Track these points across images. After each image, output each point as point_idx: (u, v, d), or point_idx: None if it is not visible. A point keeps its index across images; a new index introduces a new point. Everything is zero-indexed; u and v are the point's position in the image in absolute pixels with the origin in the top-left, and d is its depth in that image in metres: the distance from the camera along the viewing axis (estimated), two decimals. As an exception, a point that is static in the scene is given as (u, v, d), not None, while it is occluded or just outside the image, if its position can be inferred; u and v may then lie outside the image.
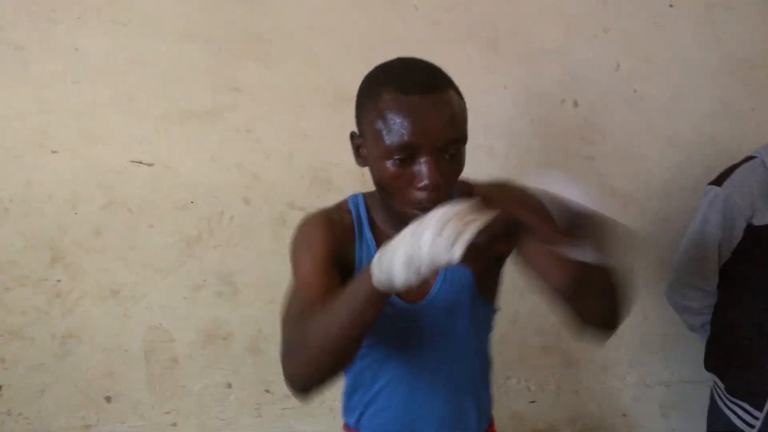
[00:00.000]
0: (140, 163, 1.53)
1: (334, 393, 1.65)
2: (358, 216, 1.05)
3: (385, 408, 1.09)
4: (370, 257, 0.92)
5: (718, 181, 1.48)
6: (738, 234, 1.45)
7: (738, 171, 1.46)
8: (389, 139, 0.87)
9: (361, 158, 0.98)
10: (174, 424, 1.66)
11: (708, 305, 1.56)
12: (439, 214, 0.71)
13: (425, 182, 0.86)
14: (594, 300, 0.88)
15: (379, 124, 0.88)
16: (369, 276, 0.77)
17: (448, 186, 0.89)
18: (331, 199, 1.37)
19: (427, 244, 0.70)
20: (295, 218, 1.57)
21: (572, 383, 1.77)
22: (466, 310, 1.05)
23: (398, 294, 1.00)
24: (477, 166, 1.56)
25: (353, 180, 1.56)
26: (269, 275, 1.61)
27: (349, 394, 1.14)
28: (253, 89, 1.52)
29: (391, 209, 0.94)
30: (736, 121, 1.67)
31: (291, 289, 0.95)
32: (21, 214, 1.51)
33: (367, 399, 1.10)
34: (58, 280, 1.56)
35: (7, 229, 1.52)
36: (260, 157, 1.57)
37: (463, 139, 0.90)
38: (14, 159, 1.49)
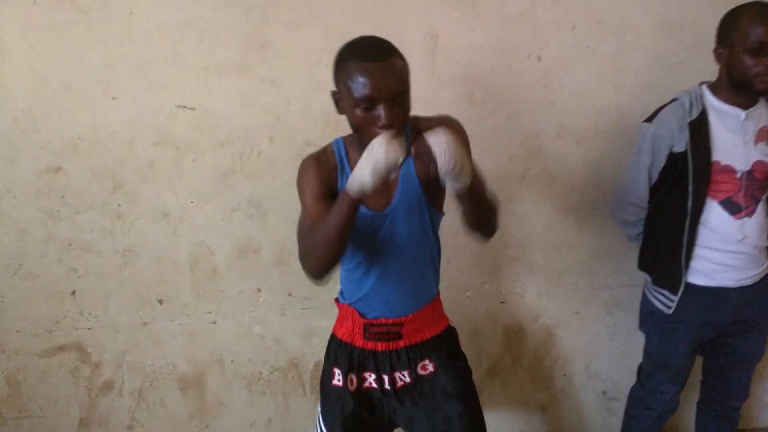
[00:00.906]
0: (185, 107, 1.86)
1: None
2: (340, 155, 1.44)
3: (363, 290, 1.49)
4: None
5: (650, 119, 1.85)
6: (662, 160, 1.82)
7: (663, 110, 1.83)
8: (356, 94, 1.25)
9: (339, 109, 1.36)
10: (214, 322, 2.04)
11: (641, 218, 1.95)
12: (381, 141, 1.17)
13: (383, 122, 1.25)
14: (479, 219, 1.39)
15: (349, 83, 1.26)
16: (347, 192, 1.22)
17: (400, 123, 1.28)
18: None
19: (381, 157, 1.16)
20: (312, 153, 1.93)
21: (534, 287, 2.18)
22: (418, 214, 1.44)
23: (368, 206, 1.39)
24: (459, 110, 1.93)
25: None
26: (291, 201, 1.92)
27: (343, 278, 1.56)
28: (278, 47, 1.85)
29: (362, 143, 1.29)
30: (669, 72, 2.04)
31: (301, 215, 1.39)
32: (88, 150, 1.85)
33: (352, 285, 1.52)
34: (119, 205, 1.90)
35: (77, 162, 1.85)
36: (283, 103, 1.90)
37: (406, 90, 1.29)
38: (82, 105, 1.81)
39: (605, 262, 2.19)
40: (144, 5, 1.77)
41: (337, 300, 1.60)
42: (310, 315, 2.08)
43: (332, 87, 1.86)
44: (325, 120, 1.92)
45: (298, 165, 1.90)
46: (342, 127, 1.91)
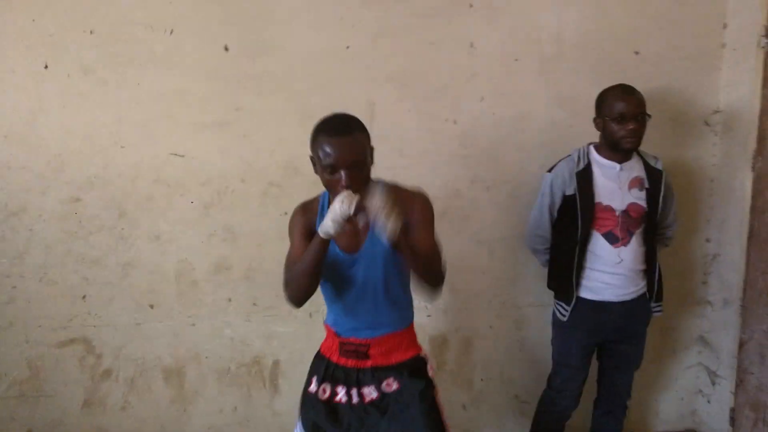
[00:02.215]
0: (176, 155, 2.41)
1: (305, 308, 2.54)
2: (323, 204, 1.76)
3: (339, 315, 1.80)
4: None
5: (551, 169, 2.36)
6: (559, 201, 2.32)
7: (560, 163, 2.34)
8: (324, 162, 1.58)
9: (315, 170, 1.68)
10: (193, 324, 2.54)
11: (548, 247, 2.44)
12: (340, 197, 1.51)
13: (342, 184, 1.56)
14: (422, 277, 1.68)
15: (319, 153, 1.60)
16: (318, 234, 1.57)
17: (357, 184, 1.57)
18: (296, 181, 2.33)
19: (337, 208, 1.49)
20: (274, 192, 2.46)
21: (455, 304, 2.65)
22: (382, 260, 1.71)
23: (343, 249, 1.71)
24: (393, 162, 2.46)
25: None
26: (257, 228, 2.48)
27: (327, 305, 1.86)
28: (250, 110, 2.40)
29: (332, 197, 1.60)
30: (561, 134, 2.54)
31: (288, 252, 1.74)
32: (101, 185, 2.39)
33: (333, 311, 1.83)
34: (122, 228, 2.44)
35: (92, 195, 2.40)
36: (253, 153, 2.44)
37: (363, 159, 1.61)
38: (98, 152, 2.37)
39: (513, 285, 2.67)
40: (149, 78, 2.35)
41: (324, 322, 1.88)
42: (270, 322, 2.58)
43: (290, 142, 2.45)
44: (285, 166, 2.46)
45: (263, 201, 2.48)
46: (300, 172, 2.47)
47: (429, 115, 2.50)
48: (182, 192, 2.44)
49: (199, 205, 2.46)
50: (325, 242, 1.59)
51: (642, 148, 2.32)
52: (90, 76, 2.32)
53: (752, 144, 2.45)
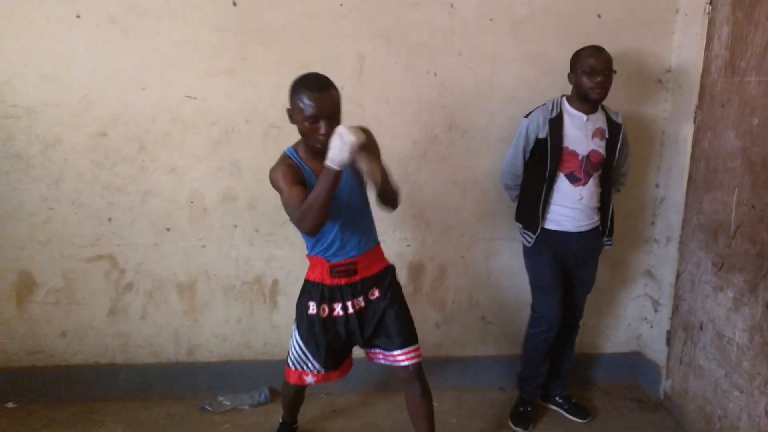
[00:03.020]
0: (190, 97, 2.77)
1: (296, 234, 2.92)
2: (295, 158, 2.07)
3: (329, 243, 2.12)
4: (310, 176, 2.02)
5: (527, 115, 2.70)
6: (532, 143, 2.66)
7: (536, 110, 2.66)
8: (306, 113, 1.91)
9: (292, 120, 2.01)
10: (204, 246, 2.93)
11: (518, 184, 2.79)
12: (344, 129, 1.80)
13: (322, 131, 1.90)
14: (386, 199, 2.08)
15: (301, 105, 1.92)
16: (329, 168, 1.82)
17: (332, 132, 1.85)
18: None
19: (351, 138, 1.78)
20: (274, 133, 2.81)
21: (431, 236, 3.03)
22: (359, 187, 2.13)
23: None
24: (379, 109, 2.81)
25: (307, 112, 2.80)
26: (259, 164, 2.83)
27: (312, 239, 2.13)
28: (254, 59, 2.74)
29: (308, 145, 1.97)
30: (528, 89, 2.87)
31: (284, 201, 2.00)
32: (124, 122, 2.75)
33: (321, 241, 2.12)
34: (143, 161, 2.81)
35: (116, 131, 2.76)
36: (256, 97, 2.79)
37: (339, 113, 1.96)
38: (121, 92, 2.72)
39: (483, 221, 3.04)
40: (165, 29, 2.68)
41: (308, 255, 2.22)
42: (270, 246, 2.96)
43: (287, 88, 2.78)
44: (283, 110, 2.77)
45: (265, 140, 2.84)
46: (297, 115, 2.81)
47: (412, 67, 2.83)
48: (195, 130, 2.80)
49: (210, 142, 2.82)
50: (339, 173, 1.86)
51: (605, 103, 2.66)
52: (115, 25, 2.65)
53: (695, 100, 2.78)
